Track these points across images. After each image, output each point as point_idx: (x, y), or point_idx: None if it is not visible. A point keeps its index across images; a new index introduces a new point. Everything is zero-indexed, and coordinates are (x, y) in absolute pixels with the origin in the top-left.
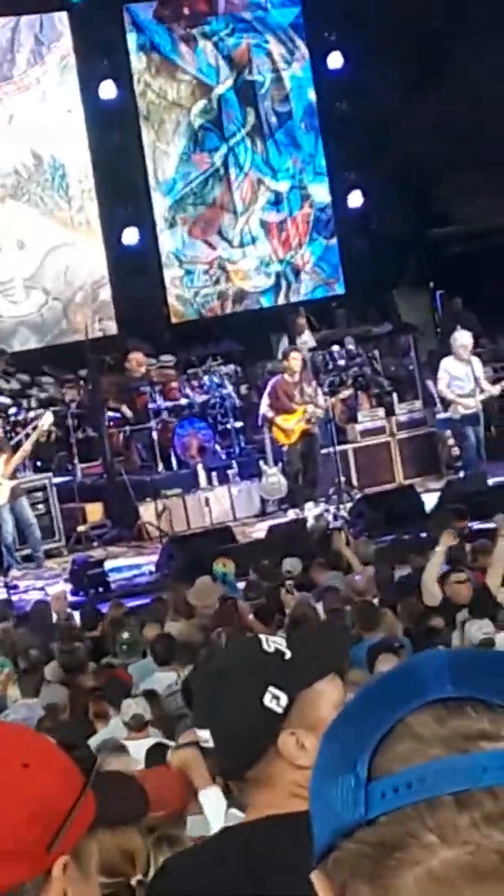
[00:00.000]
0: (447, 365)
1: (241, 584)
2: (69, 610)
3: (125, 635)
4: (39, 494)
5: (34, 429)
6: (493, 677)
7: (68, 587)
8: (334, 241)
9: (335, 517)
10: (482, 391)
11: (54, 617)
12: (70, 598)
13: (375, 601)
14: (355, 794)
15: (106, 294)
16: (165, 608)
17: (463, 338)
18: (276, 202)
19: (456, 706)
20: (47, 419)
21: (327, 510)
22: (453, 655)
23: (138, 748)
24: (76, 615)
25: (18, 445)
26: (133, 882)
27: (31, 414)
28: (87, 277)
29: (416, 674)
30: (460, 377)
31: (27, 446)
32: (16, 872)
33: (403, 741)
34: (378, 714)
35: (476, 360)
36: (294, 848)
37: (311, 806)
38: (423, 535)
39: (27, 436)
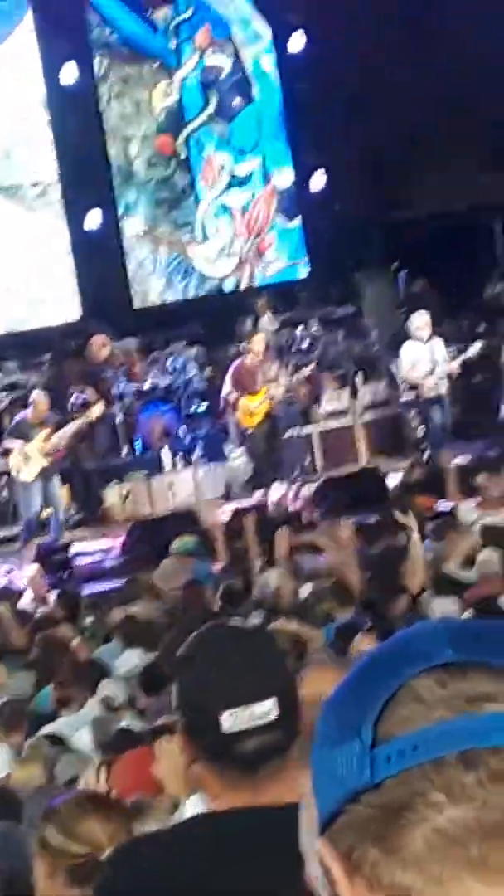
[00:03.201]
0: (407, 348)
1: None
2: (46, 589)
3: (88, 620)
4: (2, 479)
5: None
6: (492, 641)
7: (37, 567)
8: (298, 223)
9: (294, 498)
10: (442, 370)
11: (30, 596)
12: None
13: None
14: (360, 760)
15: (69, 278)
16: (135, 590)
17: (419, 320)
18: (239, 185)
19: (457, 670)
20: (98, 409)
21: (286, 493)
22: (452, 623)
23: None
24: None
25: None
26: (104, 857)
27: None
28: (49, 261)
29: (415, 641)
30: (420, 359)
31: (69, 429)
32: None
33: (407, 705)
34: (379, 681)
35: (438, 341)
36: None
37: (313, 777)
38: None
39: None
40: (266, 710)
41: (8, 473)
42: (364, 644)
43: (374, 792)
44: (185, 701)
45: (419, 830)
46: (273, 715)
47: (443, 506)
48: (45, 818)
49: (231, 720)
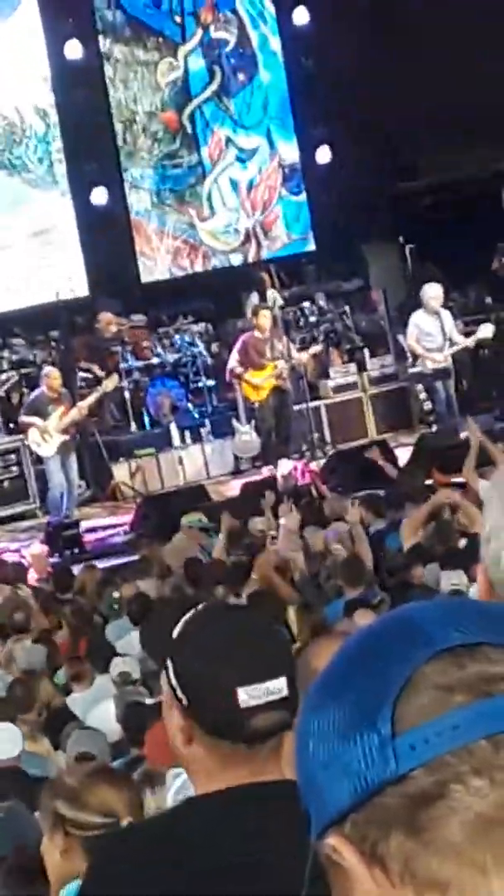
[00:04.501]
0: (417, 319)
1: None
2: (50, 570)
3: (115, 594)
4: (13, 457)
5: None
6: (493, 621)
7: (45, 548)
8: (303, 197)
9: (303, 473)
10: (453, 344)
11: (34, 576)
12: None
13: None
14: (381, 751)
15: (76, 254)
16: (145, 566)
17: (432, 291)
18: (245, 159)
19: (467, 652)
20: (112, 381)
21: (295, 468)
22: (448, 605)
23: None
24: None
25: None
26: (123, 825)
27: (3, 376)
28: (55, 238)
29: (415, 625)
30: (430, 331)
31: (84, 404)
32: None
33: (424, 691)
34: (386, 669)
35: (446, 314)
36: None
37: (312, 772)
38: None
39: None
40: (279, 686)
41: (18, 451)
42: (363, 619)
43: (401, 783)
44: (192, 678)
45: (457, 818)
46: (285, 692)
47: (456, 480)
48: (51, 794)
49: (248, 695)
